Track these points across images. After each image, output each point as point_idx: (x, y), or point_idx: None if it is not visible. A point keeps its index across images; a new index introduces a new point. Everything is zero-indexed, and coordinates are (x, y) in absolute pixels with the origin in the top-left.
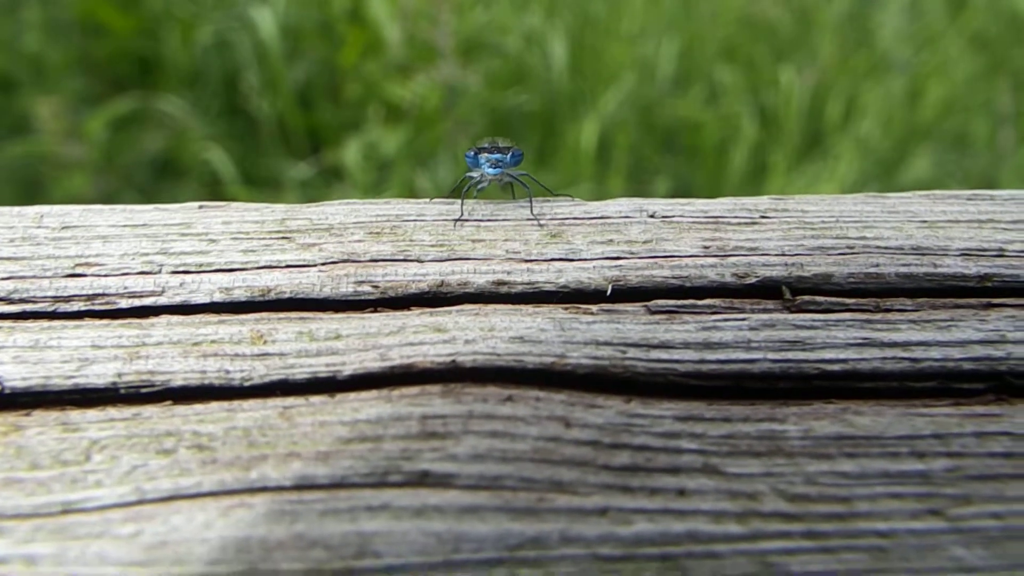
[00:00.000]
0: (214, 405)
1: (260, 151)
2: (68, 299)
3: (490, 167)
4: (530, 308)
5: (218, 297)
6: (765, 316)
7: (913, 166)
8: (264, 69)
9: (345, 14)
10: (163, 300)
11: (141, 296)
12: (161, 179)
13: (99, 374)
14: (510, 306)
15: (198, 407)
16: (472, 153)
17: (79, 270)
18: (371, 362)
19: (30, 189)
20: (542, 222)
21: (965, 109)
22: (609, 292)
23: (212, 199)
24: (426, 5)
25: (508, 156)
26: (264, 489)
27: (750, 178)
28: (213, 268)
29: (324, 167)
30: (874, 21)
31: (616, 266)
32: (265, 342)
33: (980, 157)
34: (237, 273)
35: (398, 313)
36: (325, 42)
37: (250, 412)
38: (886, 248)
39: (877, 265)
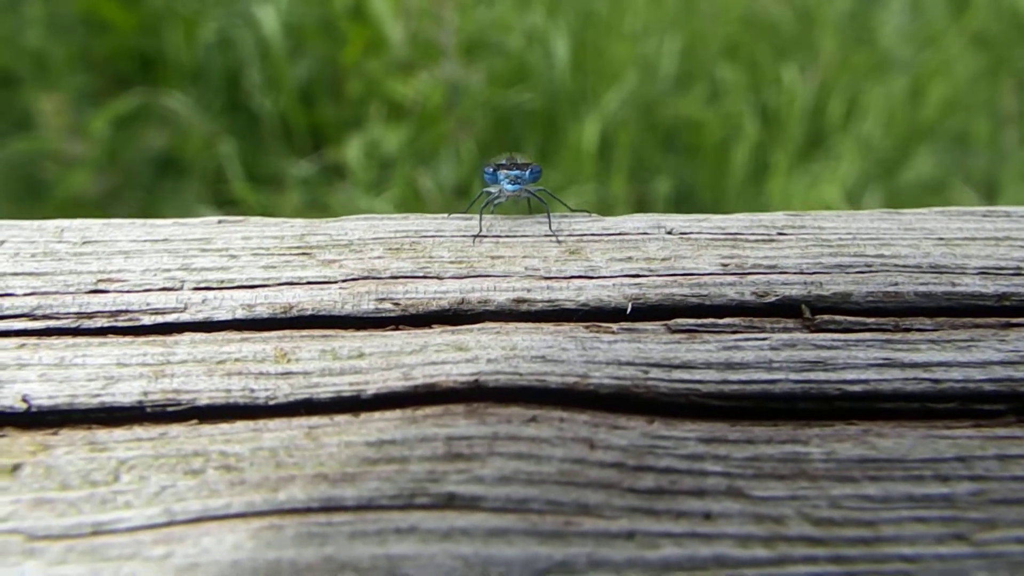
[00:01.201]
0: (240, 424)
1: (262, 148)
2: (91, 315)
3: (509, 183)
4: (551, 326)
5: (240, 314)
6: (785, 336)
7: (915, 166)
8: (267, 66)
9: (347, 12)
10: (186, 317)
11: (164, 313)
12: (164, 176)
13: (125, 392)
14: (531, 324)
15: (224, 426)
16: (491, 169)
17: (101, 286)
18: (394, 381)
19: (33, 186)
20: (560, 238)
21: (967, 108)
22: (629, 310)
23: (215, 197)
24: (428, 3)
25: (527, 172)
26: (293, 511)
27: (751, 177)
28: (235, 284)
29: (326, 165)
30: (876, 20)
31: (635, 284)
32: (289, 360)
33: (982, 157)
34: (259, 290)
35: (419, 331)
36: (327, 40)
37: (276, 432)
38: (904, 266)
39: (896, 284)
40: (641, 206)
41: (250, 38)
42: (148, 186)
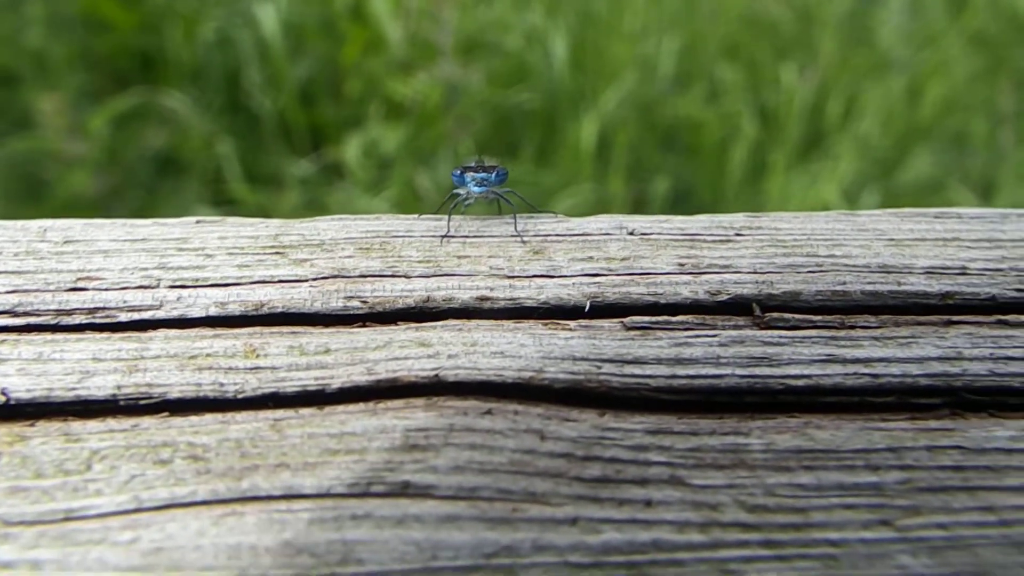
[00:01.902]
0: (208, 417)
1: (262, 148)
2: (70, 312)
3: (475, 185)
4: (511, 324)
5: (213, 311)
6: (735, 332)
7: (913, 166)
8: (266, 66)
9: (347, 11)
10: (161, 314)
11: (140, 310)
12: (163, 175)
13: (99, 386)
14: (492, 322)
15: (193, 419)
16: (458, 172)
17: (81, 284)
18: (358, 376)
19: (32, 185)
20: (525, 239)
21: (965, 108)
22: (587, 308)
23: (215, 196)
24: (428, 3)
25: (493, 175)
26: (255, 498)
27: (750, 177)
28: (209, 283)
29: (325, 164)
30: (875, 20)
31: (595, 283)
32: (258, 356)
33: (980, 157)
34: (232, 288)
35: (385, 328)
36: (327, 39)
37: (242, 424)
38: (854, 266)
39: (844, 283)
40: (639, 206)
41: (250, 37)
42: (147, 185)
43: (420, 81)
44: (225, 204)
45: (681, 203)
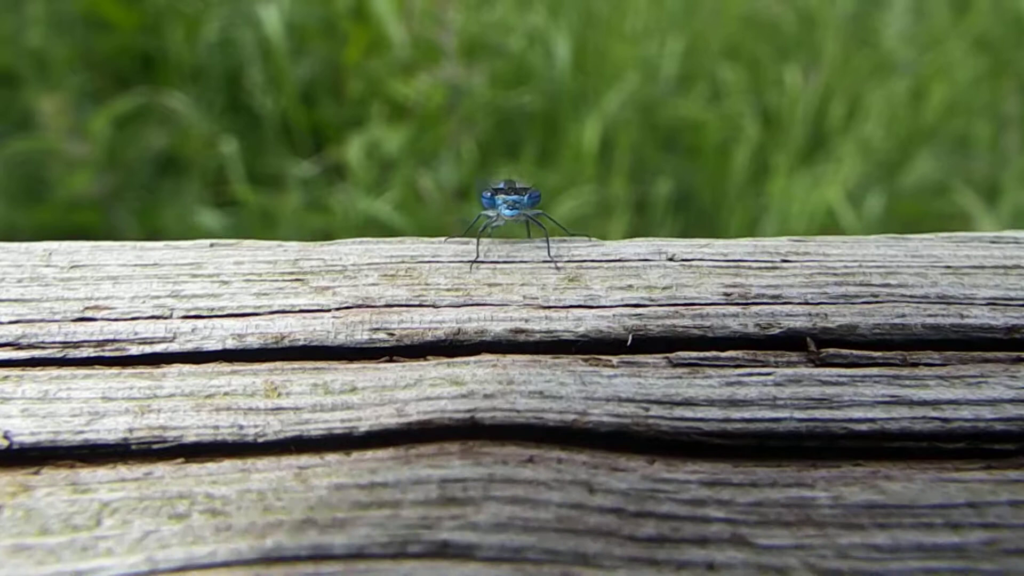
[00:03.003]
0: (227, 464)
1: (263, 149)
2: (77, 345)
3: (507, 208)
4: (549, 359)
5: (231, 344)
6: (790, 371)
7: (916, 168)
8: (268, 66)
9: (349, 12)
10: (174, 347)
11: (152, 343)
12: (165, 176)
13: (110, 429)
14: (528, 356)
15: (211, 466)
16: (489, 194)
17: (89, 314)
18: (387, 418)
19: (33, 186)
20: (559, 265)
21: (968, 111)
22: (629, 342)
23: (216, 197)
24: (430, 4)
25: (526, 197)
26: (280, 560)
27: (752, 179)
28: (225, 313)
29: (327, 165)
30: (878, 22)
31: (636, 314)
32: (279, 395)
33: (983, 160)
34: (250, 319)
35: (414, 363)
36: (329, 40)
37: (264, 472)
38: (911, 297)
39: (903, 316)
40: (641, 207)
41: (252, 38)
42: (149, 186)
43: (422, 82)
44: (227, 205)
45: (683, 205)
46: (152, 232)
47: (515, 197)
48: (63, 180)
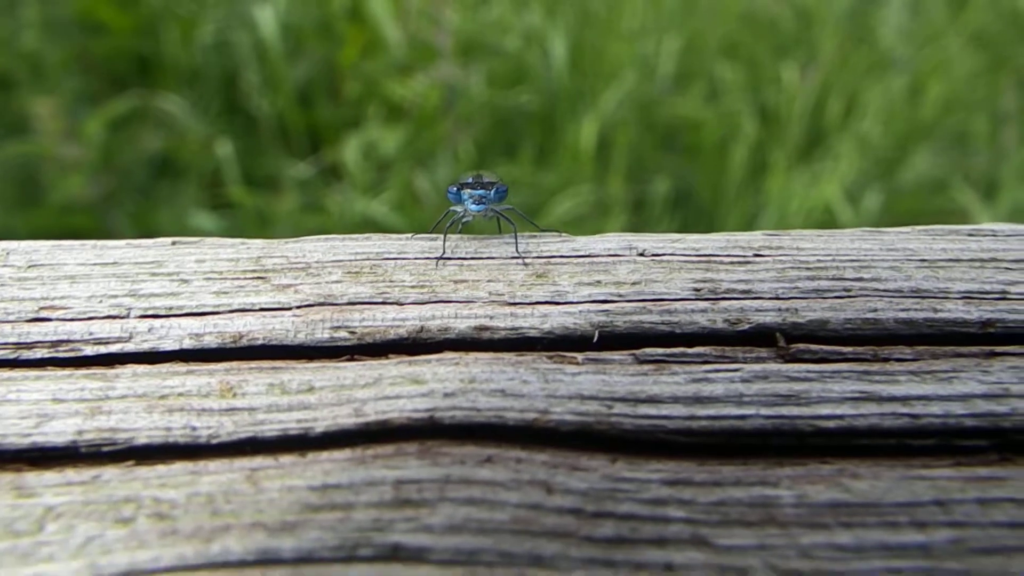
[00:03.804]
0: (178, 466)
1: (260, 150)
2: (31, 346)
3: (473, 203)
4: (513, 357)
5: (188, 344)
6: (758, 367)
7: (914, 165)
8: (264, 68)
9: (345, 13)
10: (130, 347)
11: (107, 343)
12: (160, 179)
13: (59, 431)
14: (492, 354)
15: (160, 468)
16: (455, 189)
17: (44, 314)
18: (344, 418)
19: (28, 190)
20: (527, 261)
21: (966, 107)
22: (596, 339)
23: (212, 200)
24: (426, 4)
25: (492, 192)
26: (226, 564)
27: (750, 177)
28: (184, 312)
29: (324, 166)
30: (875, 18)
31: (603, 311)
32: (234, 395)
33: (982, 156)
34: (208, 317)
35: (375, 362)
36: (325, 41)
37: (215, 475)
38: (884, 291)
39: (875, 310)
40: (639, 206)
41: (248, 39)
42: (144, 189)
43: (419, 82)
44: (223, 207)
45: (681, 203)
46: (147, 235)
47: (481, 192)
48: (58, 184)
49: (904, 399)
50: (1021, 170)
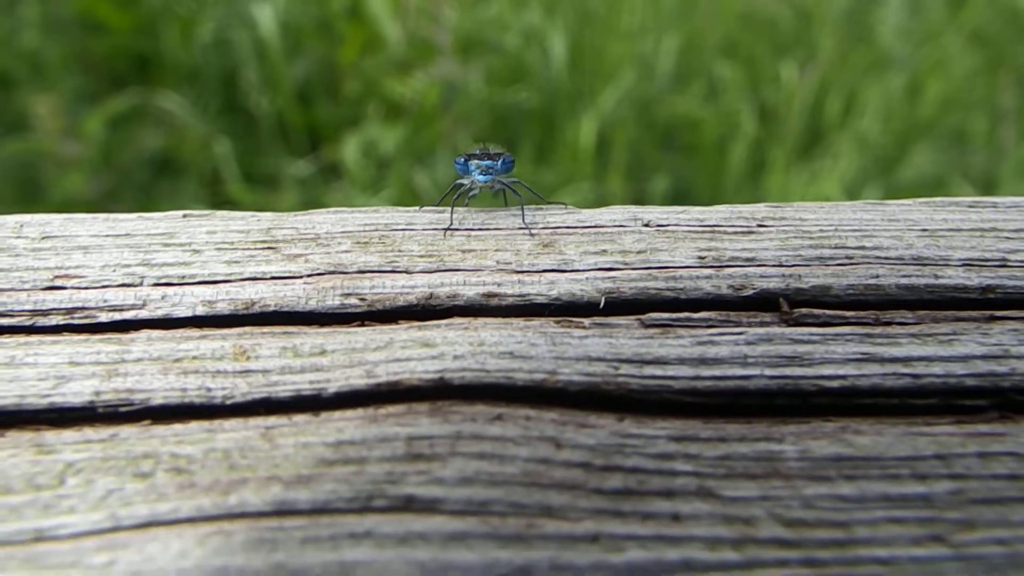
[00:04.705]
0: (194, 425)
1: (259, 149)
2: (46, 313)
3: (480, 174)
4: (521, 322)
5: (201, 311)
6: (762, 330)
7: (913, 163)
8: (264, 66)
9: (345, 11)
10: (144, 314)
11: (121, 310)
12: (160, 177)
13: (76, 392)
14: (500, 319)
15: (177, 427)
16: (462, 160)
17: (58, 282)
18: (357, 379)
19: (28, 188)
20: (534, 231)
21: (965, 105)
22: (602, 305)
23: (212, 198)
24: (426, 2)
25: (499, 163)
26: (243, 515)
27: (749, 175)
28: (196, 280)
29: (323, 165)
30: (874, 17)
31: (609, 278)
32: (248, 358)
33: (980, 154)
34: (220, 285)
35: (385, 327)
36: (325, 39)
37: (231, 432)
38: (886, 258)
39: (877, 276)
40: (638, 205)
41: (247, 38)
42: (144, 187)
43: (418, 80)
44: (223, 205)
45: (680, 202)
46: None
47: (488, 162)
48: (57, 182)
49: (906, 360)
50: (1019, 167)
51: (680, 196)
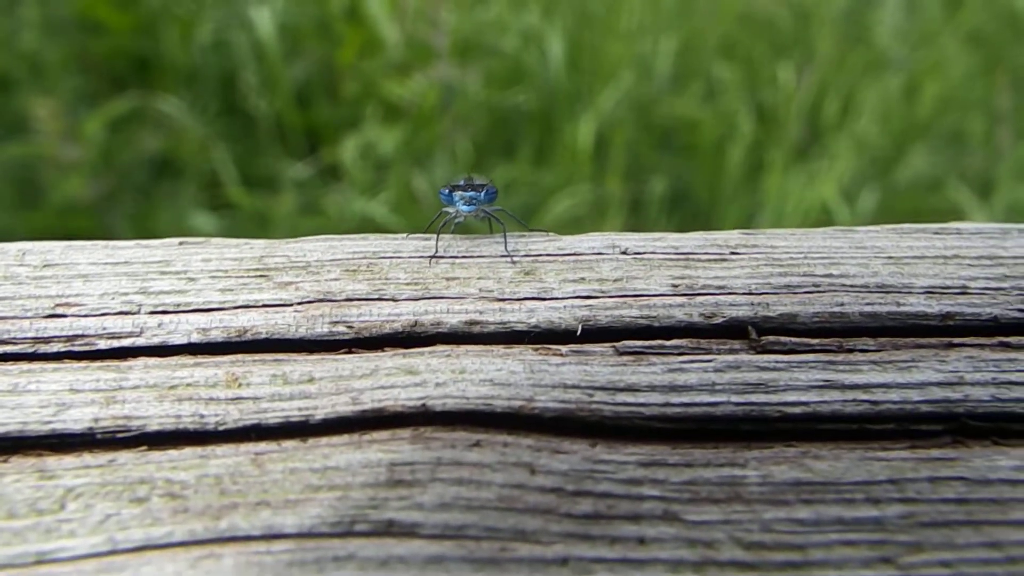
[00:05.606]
0: (187, 451)
1: (258, 151)
2: (48, 340)
3: (464, 204)
4: (501, 349)
5: (195, 338)
6: (731, 357)
7: (910, 164)
8: (262, 68)
9: (343, 13)
10: (141, 341)
11: (120, 337)
12: (159, 179)
13: (76, 419)
14: (482, 347)
15: (172, 452)
16: (447, 191)
17: (59, 310)
18: (343, 406)
19: (27, 191)
20: (515, 259)
21: (962, 107)
22: (579, 332)
23: (211, 200)
24: (424, 4)
25: (482, 194)
26: (233, 539)
27: (748, 176)
28: (191, 308)
29: (322, 167)
30: (871, 19)
31: (587, 305)
32: (240, 385)
33: (977, 155)
34: (215, 313)
35: (371, 354)
36: (323, 41)
37: (223, 458)
38: (851, 286)
39: (842, 304)
40: (637, 206)
41: (246, 40)
42: (143, 189)
43: (417, 82)
44: (222, 208)
45: (678, 203)
46: (147, 235)
47: (472, 193)
48: (57, 184)
49: (865, 387)
50: (1016, 169)
51: (678, 197)
